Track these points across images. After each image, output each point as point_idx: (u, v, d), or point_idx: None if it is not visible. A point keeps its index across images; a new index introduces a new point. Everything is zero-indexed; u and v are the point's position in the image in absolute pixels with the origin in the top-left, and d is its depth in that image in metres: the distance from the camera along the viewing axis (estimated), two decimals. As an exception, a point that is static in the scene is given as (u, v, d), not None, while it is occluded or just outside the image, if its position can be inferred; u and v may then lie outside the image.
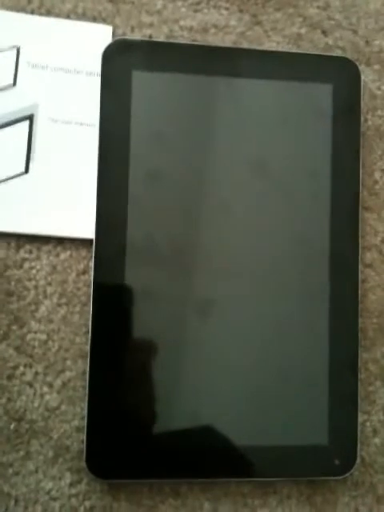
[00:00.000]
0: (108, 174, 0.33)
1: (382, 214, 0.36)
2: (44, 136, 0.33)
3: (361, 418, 0.35)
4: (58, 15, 0.34)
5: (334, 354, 0.34)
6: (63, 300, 0.33)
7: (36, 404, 0.33)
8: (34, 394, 0.33)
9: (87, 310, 0.33)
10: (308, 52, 0.36)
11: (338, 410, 0.34)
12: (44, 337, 0.33)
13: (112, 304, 0.32)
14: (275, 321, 0.34)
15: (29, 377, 0.33)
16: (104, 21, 0.35)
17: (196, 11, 0.36)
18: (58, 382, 0.33)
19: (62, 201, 0.33)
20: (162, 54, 0.34)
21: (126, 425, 0.32)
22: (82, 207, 0.33)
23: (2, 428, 0.32)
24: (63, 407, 0.33)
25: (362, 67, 0.36)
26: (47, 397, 0.33)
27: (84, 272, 0.34)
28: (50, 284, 0.33)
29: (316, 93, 0.35)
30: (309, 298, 0.34)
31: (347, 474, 0.34)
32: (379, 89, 0.37)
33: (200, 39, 0.36)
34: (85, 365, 0.33)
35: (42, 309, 0.33)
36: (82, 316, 0.33)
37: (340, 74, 0.35)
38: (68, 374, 0.33)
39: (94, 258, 0.33)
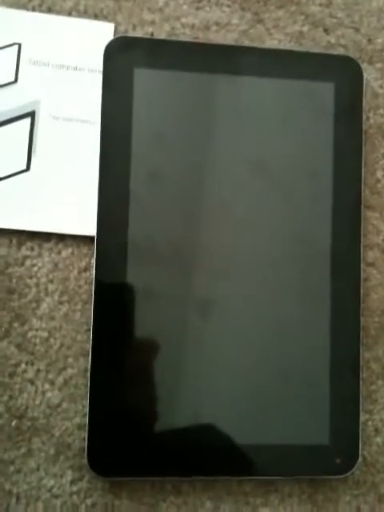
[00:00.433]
0: (109, 171, 0.33)
1: (384, 213, 0.36)
2: (45, 133, 0.33)
3: (363, 417, 0.34)
4: (59, 12, 0.34)
5: (336, 353, 0.34)
6: (65, 297, 0.33)
7: (37, 401, 0.33)
8: (36, 392, 0.33)
9: (88, 307, 0.33)
10: (310, 50, 0.36)
11: (339, 409, 0.34)
12: (45, 334, 0.33)
13: (113, 302, 0.32)
14: (277, 320, 0.34)
15: (30, 374, 0.33)
16: (105, 18, 0.35)
17: (198, 9, 0.36)
18: (60, 380, 0.33)
19: (64, 198, 0.33)
20: (163, 52, 0.34)
21: (127, 423, 0.32)
22: (84, 204, 0.33)
23: (4, 425, 0.32)
24: (65, 405, 0.33)
25: (364, 65, 0.36)
26: (49, 394, 0.33)
27: (85, 269, 0.34)
28: (51, 281, 0.33)
29: (318, 91, 0.35)
30: (310, 296, 0.34)
31: (349, 473, 0.34)
32: (381, 87, 0.37)
33: (202, 37, 0.36)
34: (86, 362, 0.33)
35: (44, 306, 0.33)
36: (84, 313, 0.33)
37: (342, 73, 0.35)
38: (69, 371, 0.33)
39: (96, 255, 0.33)
